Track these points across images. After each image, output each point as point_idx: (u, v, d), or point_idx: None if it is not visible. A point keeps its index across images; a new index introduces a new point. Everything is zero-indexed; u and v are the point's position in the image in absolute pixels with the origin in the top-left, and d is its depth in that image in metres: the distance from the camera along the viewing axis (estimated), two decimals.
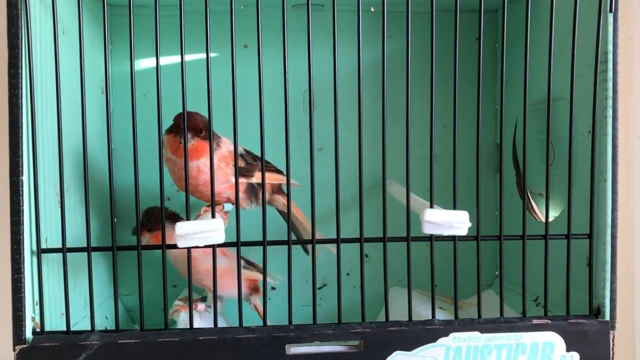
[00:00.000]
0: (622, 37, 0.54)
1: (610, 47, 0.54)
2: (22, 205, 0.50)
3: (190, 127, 0.57)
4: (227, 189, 0.62)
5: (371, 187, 0.69)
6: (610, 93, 0.54)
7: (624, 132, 0.91)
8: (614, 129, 0.54)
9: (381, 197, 0.60)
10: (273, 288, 0.77)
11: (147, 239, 0.64)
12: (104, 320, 0.69)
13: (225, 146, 0.63)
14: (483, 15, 0.54)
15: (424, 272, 0.62)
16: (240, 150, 0.64)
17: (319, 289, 0.79)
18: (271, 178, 0.65)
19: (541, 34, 0.61)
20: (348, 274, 0.78)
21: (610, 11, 0.53)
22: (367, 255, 0.76)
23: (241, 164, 0.63)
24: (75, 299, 0.61)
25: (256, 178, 0.63)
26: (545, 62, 0.55)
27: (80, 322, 0.62)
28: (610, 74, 0.54)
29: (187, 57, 0.74)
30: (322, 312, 0.67)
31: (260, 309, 0.69)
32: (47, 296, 0.54)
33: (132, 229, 0.64)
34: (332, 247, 0.55)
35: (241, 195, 0.63)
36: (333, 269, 0.70)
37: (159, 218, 0.60)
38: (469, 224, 0.52)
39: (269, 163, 0.67)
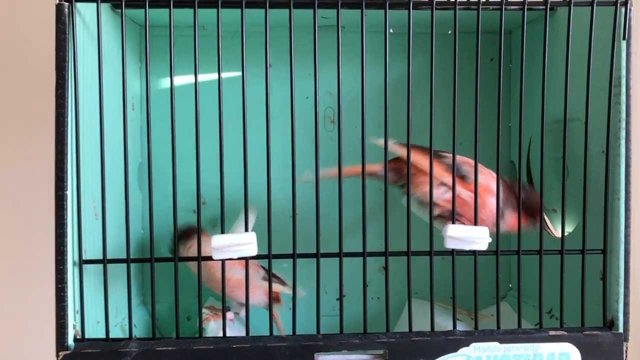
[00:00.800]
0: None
1: (623, 72, 0.56)
2: (66, 219, 0.53)
3: None
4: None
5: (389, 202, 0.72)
6: (623, 115, 0.57)
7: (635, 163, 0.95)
8: (627, 149, 0.56)
9: (398, 211, 0.63)
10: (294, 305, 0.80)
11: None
12: (133, 329, 0.71)
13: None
14: (496, 36, 0.57)
15: (441, 284, 0.65)
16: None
17: (337, 299, 0.81)
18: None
19: (556, 55, 0.64)
20: (367, 285, 0.80)
21: (624, 38, 0.56)
22: (384, 267, 0.79)
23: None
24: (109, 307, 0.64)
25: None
26: (560, 82, 0.57)
27: (112, 330, 0.65)
28: (623, 97, 0.57)
29: (208, 77, 0.77)
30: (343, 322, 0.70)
31: (279, 320, 0.72)
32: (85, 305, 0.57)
33: (169, 244, 0.67)
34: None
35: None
36: (352, 280, 0.73)
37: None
38: (490, 239, 0.55)
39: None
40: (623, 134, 0.57)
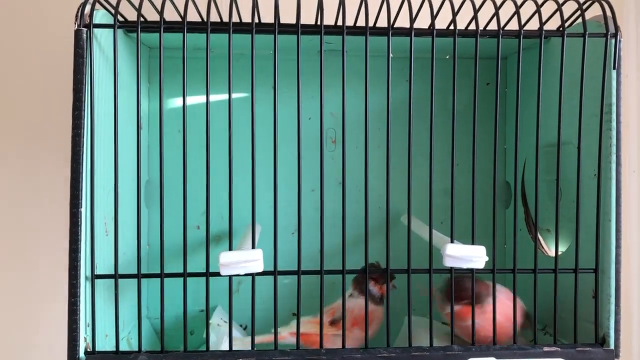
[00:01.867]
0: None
1: (614, 100, 0.59)
2: (80, 235, 0.55)
3: None
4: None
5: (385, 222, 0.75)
6: (614, 140, 0.59)
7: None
8: (618, 173, 0.59)
9: (396, 231, 0.65)
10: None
11: None
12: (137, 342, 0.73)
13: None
14: (493, 62, 0.59)
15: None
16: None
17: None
18: None
19: (548, 82, 0.67)
20: None
21: (614, 68, 0.59)
22: (394, 286, 0.81)
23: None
24: (113, 321, 0.66)
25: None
26: (553, 107, 0.60)
27: (120, 343, 0.66)
28: (614, 123, 0.59)
29: (216, 97, 0.80)
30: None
31: None
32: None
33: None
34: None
35: None
36: None
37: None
38: (487, 258, 0.58)
39: None
40: (614, 158, 0.59)
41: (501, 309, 0.61)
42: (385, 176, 0.60)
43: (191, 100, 0.81)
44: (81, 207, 0.55)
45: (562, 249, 0.69)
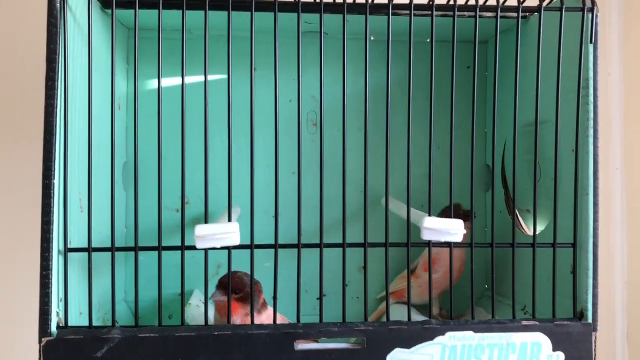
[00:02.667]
0: (601, 73, 0.60)
1: (591, 74, 0.60)
2: (53, 207, 0.54)
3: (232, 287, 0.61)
4: None
5: (369, 203, 0.74)
6: (591, 115, 0.59)
7: (603, 164, 0.98)
8: (595, 147, 0.59)
9: (379, 212, 0.64)
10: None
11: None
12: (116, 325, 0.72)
13: (269, 317, 0.64)
14: (473, 45, 0.59)
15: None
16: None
17: (317, 299, 0.83)
18: None
19: (528, 63, 0.67)
20: (347, 285, 0.82)
21: (591, 42, 0.59)
22: (363, 267, 0.81)
23: None
24: (88, 299, 0.65)
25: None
26: (532, 88, 0.60)
27: (95, 323, 0.65)
28: (591, 98, 0.60)
29: (194, 79, 0.79)
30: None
31: None
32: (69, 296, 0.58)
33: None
34: None
35: None
36: (332, 280, 0.74)
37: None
38: (465, 231, 0.57)
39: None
40: (591, 132, 0.59)
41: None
42: (365, 159, 0.60)
43: (171, 82, 0.80)
44: (54, 178, 0.55)
45: (540, 227, 0.69)
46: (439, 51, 0.63)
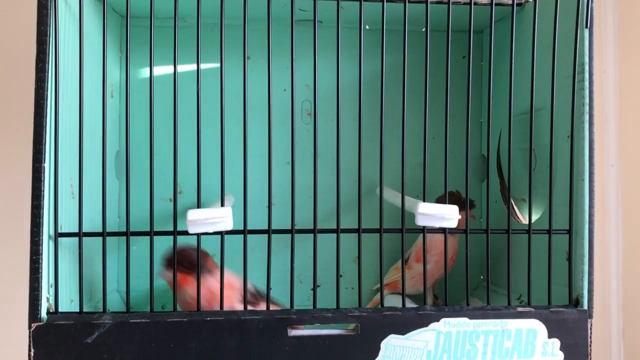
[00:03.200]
0: (595, 71, 0.60)
1: (586, 59, 0.59)
2: (43, 191, 0.54)
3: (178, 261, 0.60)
4: None
5: (364, 193, 0.74)
6: (587, 100, 0.59)
7: (599, 161, 0.98)
8: (591, 132, 0.59)
9: (373, 201, 0.63)
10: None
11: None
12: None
13: (218, 280, 0.62)
14: (468, 35, 0.59)
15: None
16: (250, 287, 0.66)
17: (312, 289, 0.82)
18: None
19: (522, 51, 0.66)
20: (341, 276, 0.81)
21: (586, 27, 0.59)
22: (357, 258, 0.80)
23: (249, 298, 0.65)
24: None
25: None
26: (527, 75, 0.60)
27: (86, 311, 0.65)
28: (586, 83, 0.59)
29: (188, 67, 0.79)
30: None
31: None
32: (59, 282, 0.57)
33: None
34: None
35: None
36: (327, 271, 0.74)
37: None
38: (459, 217, 0.57)
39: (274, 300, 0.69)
40: (587, 117, 0.59)
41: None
42: (359, 148, 0.59)
43: (165, 70, 0.79)
44: (44, 162, 0.54)
45: (536, 215, 0.68)
46: (434, 40, 0.63)
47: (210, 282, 0.62)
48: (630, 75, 0.99)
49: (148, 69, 0.80)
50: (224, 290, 0.57)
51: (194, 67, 0.78)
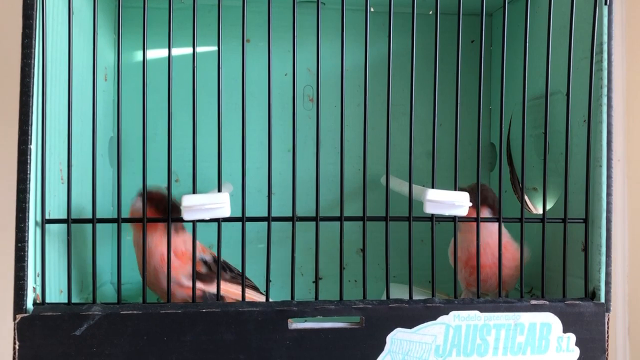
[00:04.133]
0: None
1: (605, 38, 0.56)
2: (29, 174, 0.51)
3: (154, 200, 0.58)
4: (177, 289, 0.60)
5: (368, 183, 0.71)
6: (605, 82, 0.56)
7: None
8: (609, 116, 0.56)
9: (377, 191, 0.60)
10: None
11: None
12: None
13: (183, 242, 0.61)
14: (477, 18, 0.56)
15: (421, 268, 0.63)
16: (206, 256, 0.63)
17: (313, 282, 0.79)
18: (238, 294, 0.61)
19: (535, 33, 0.63)
20: (344, 268, 0.78)
21: (605, 4, 0.55)
22: (361, 250, 0.77)
23: (201, 269, 0.61)
24: (72, 280, 0.61)
25: (221, 290, 0.56)
26: (539, 60, 0.57)
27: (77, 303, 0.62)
28: (605, 64, 0.56)
29: (186, 50, 0.75)
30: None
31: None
32: (47, 272, 0.54)
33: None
34: None
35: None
36: (329, 263, 0.71)
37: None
38: (470, 204, 0.54)
39: (248, 279, 0.65)
40: (605, 100, 0.56)
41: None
42: (365, 136, 0.56)
43: (161, 53, 0.76)
44: (30, 143, 0.51)
45: (549, 204, 0.65)
46: (442, 24, 0.59)
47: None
48: (637, 68, 0.96)
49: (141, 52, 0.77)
50: (172, 260, 0.55)
51: (189, 50, 0.75)
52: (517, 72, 0.58)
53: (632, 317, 0.95)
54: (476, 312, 0.54)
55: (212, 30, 0.59)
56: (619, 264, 0.95)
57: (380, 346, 0.53)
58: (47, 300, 0.53)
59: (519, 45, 0.57)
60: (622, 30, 0.96)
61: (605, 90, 0.56)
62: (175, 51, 0.75)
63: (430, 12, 0.77)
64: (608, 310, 0.55)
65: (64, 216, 0.55)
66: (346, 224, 0.55)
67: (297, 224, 0.55)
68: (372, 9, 0.81)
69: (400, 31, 0.61)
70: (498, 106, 0.60)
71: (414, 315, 0.53)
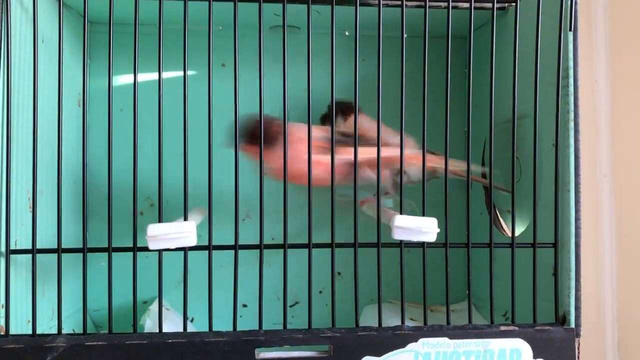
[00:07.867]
0: (587, 81, 0.56)
1: (571, 64, 0.56)
2: None
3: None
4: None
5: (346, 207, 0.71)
6: (572, 107, 0.56)
7: (591, 171, 0.95)
8: (576, 140, 0.56)
9: (349, 215, 0.60)
10: (244, 305, 0.77)
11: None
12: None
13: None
14: (451, 42, 0.56)
15: (396, 285, 0.63)
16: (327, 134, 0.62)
17: (290, 306, 0.79)
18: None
19: (505, 58, 0.63)
20: (320, 292, 0.78)
21: (570, 30, 0.56)
22: (339, 273, 0.77)
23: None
24: (42, 309, 0.60)
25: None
26: (509, 83, 0.57)
27: (46, 331, 0.61)
28: (571, 89, 0.56)
29: (165, 75, 0.75)
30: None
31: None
32: (14, 302, 0.53)
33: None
34: None
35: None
36: (304, 286, 0.70)
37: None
38: (438, 230, 0.54)
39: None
40: (572, 125, 0.56)
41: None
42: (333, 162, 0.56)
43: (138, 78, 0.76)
44: None
45: (520, 228, 0.65)
46: (417, 47, 0.59)
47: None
48: (622, 84, 0.96)
49: (117, 77, 0.77)
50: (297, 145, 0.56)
51: (170, 74, 0.75)
52: (489, 96, 0.58)
53: (622, 333, 0.94)
54: (445, 339, 0.53)
55: (180, 55, 0.59)
56: (607, 280, 0.94)
57: None
58: (17, 330, 0.53)
59: (489, 68, 0.58)
60: (605, 46, 0.97)
61: (572, 115, 0.56)
62: (146, 76, 0.76)
63: (406, 36, 0.77)
64: (578, 335, 0.55)
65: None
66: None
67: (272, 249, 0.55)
68: (346, 33, 0.82)
69: (372, 54, 0.61)
70: (472, 129, 0.60)
71: (383, 342, 0.53)
